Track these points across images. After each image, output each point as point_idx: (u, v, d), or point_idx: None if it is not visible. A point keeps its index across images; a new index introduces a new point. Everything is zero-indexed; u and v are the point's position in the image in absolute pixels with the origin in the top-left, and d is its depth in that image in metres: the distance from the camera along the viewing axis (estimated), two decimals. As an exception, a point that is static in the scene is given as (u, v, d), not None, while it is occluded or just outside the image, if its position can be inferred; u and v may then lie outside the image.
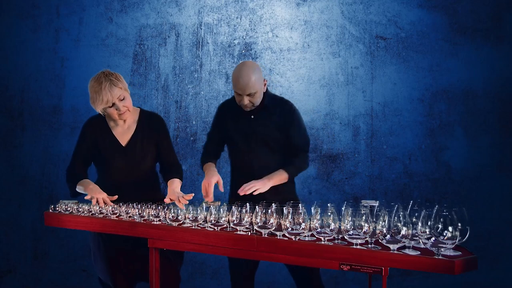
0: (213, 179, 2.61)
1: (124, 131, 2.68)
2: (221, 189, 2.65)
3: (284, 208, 2.00)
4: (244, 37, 4.12)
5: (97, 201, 2.51)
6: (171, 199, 2.50)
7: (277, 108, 2.72)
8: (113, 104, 2.54)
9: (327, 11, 4.12)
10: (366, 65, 4.10)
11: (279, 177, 2.63)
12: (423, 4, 4.11)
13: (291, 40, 4.11)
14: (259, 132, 2.71)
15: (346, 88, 4.08)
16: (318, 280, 2.69)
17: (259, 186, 2.53)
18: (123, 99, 2.56)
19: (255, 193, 2.51)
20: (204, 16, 4.13)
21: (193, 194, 2.49)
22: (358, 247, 1.83)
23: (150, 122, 2.71)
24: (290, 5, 4.12)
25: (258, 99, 2.66)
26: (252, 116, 2.72)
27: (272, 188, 2.64)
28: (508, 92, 4.12)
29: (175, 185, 2.64)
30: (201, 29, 4.13)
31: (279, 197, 2.58)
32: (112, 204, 2.51)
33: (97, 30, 4.12)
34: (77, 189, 2.65)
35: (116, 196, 2.56)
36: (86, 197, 2.55)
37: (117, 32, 4.12)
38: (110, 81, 2.51)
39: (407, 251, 1.76)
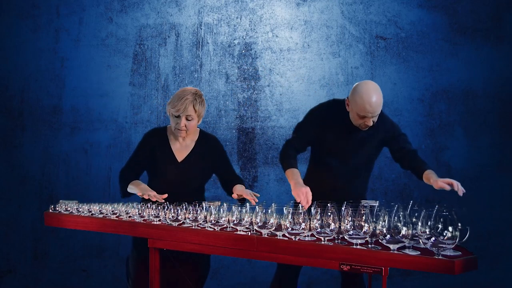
0: (308, 189, 2.47)
1: (182, 148, 2.74)
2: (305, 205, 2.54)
3: (284, 208, 2.00)
4: (244, 37, 4.12)
5: (149, 196, 2.53)
6: (238, 195, 2.54)
7: (378, 124, 2.66)
8: (178, 116, 2.60)
9: (327, 11, 4.12)
10: (366, 65, 4.10)
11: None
12: (423, 4, 4.11)
13: (291, 40, 4.11)
14: (356, 146, 2.68)
15: (346, 88, 4.08)
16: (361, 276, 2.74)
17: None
18: (190, 120, 2.61)
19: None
20: (204, 16, 4.13)
21: (259, 195, 2.51)
22: (358, 247, 1.83)
23: (207, 144, 2.78)
24: (290, 5, 4.12)
25: (376, 119, 2.60)
26: (354, 131, 2.66)
27: (349, 187, 2.69)
28: (508, 92, 4.12)
29: (240, 187, 2.68)
30: (201, 29, 4.13)
31: (353, 196, 2.58)
32: (162, 200, 2.51)
33: (97, 30, 4.12)
34: (128, 190, 2.69)
35: (166, 195, 2.57)
36: (138, 194, 2.58)
37: (117, 32, 4.12)
38: (194, 99, 2.59)
39: (407, 251, 1.76)
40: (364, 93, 2.51)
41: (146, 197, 2.53)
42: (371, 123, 2.57)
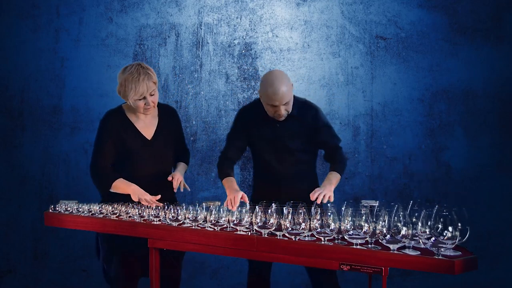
0: (239, 194, 2.56)
1: (146, 125, 2.70)
2: (247, 202, 2.63)
3: (284, 208, 2.00)
4: (244, 37, 4.12)
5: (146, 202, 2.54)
6: (140, 199, 2.57)
7: (302, 114, 2.70)
8: (144, 98, 2.55)
9: (327, 11, 4.12)
10: (366, 65, 4.10)
11: (336, 179, 2.63)
12: (423, 4, 4.11)
13: (291, 40, 4.11)
14: (285, 139, 2.70)
15: (346, 88, 4.08)
16: (335, 278, 2.69)
17: (329, 193, 2.47)
18: (154, 94, 2.59)
19: (324, 201, 2.44)
20: (204, 16, 4.13)
21: (171, 178, 2.63)
22: (358, 247, 1.83)
23: (168, 115, 2.77)
24: (290, 5, 4.12)
25: (291, 107, 2.65)
26: (278, 124, 2.70)
27: (294, 181, 2.70)
28: (508, 92, 4.12)
29: (179, 168, 2.77)
30: (201, 29, 4.13)
31: (303, 189, 2.60)
32: (160, 204, 2.50)
33: (97, 30, 4.12)
34: (113, 189, 2.63)
35: (159, 196, 2.58)
36: (133, 198, 2.58)
37: (117, 32, 4.12)
38: (147, 74, 2.55)
39: (407, 251, 1.76)
40: (268, 81, 2.56)
41: (144, 202, 2.53)
42: (282, 111, 2.60)
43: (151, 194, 2.60)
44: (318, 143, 2.76)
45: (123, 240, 2.57)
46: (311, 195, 2.43)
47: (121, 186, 2.60)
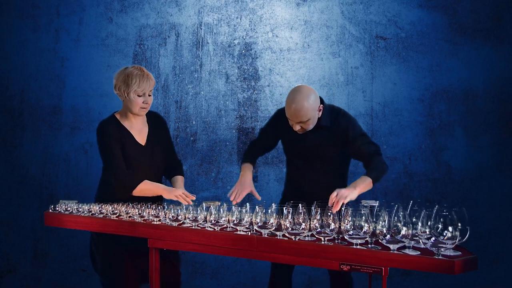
0: (246, 189, 2.61)
1: (138, 131, 2.72)
2: (258, 197, 2.66)
3: (284, 208, 2.00)
4: (244, 37, 4.12)
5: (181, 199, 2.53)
6: (176, 196, 2.54)
7: (334, 124, 2.66)
8: (143, 95, 2.61)
9: (327, 11, 4.12)
10: (366, 65, 4.10)
11: (364, 183, 2.47)
12: (423, 4, 4.11)
13: (291, 40, 4.11)
14: (313, 147, 2.68)
15: (346, 88, 4.08)
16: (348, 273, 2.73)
17: (347, 194, 2.32)
18: (150, 96, 2.66)
19: (345, 202, 2.31)
20: (204, 16, 4.13)
21: (195, 196, 2.54)
22: (358, 247, 1.83)
23: (156, 122, 2.80)
24: (290, 5, 4.12)
25: (310, 126, 2.60)
26: (309, 133, 2.67)
27: (320, 187, 2.65)
28: (508, 92, 4.12)
29: (178, 183, 2.75)
30: (201, 29, 4.13)
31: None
32: (191, 203, 2.48)
33: (97, 30, 4.12)
34: (135, 194, 2.58)
35: (194, 196, 2.60)
36: (167, 196, 2.56)
37: (117, 32, 4.12)
38: (150, 75, 2.64)
39: (407, 251, 1.76)
40: (289, 98, 2.55)
41: (174, 198, 2.50)
42: (297, 128, 2.58)
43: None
44: (353, 153, 2.69)
45: (122, 249, 2.60)
46: (330, 198, 2.32)
47: (149, 187, 2.57)
